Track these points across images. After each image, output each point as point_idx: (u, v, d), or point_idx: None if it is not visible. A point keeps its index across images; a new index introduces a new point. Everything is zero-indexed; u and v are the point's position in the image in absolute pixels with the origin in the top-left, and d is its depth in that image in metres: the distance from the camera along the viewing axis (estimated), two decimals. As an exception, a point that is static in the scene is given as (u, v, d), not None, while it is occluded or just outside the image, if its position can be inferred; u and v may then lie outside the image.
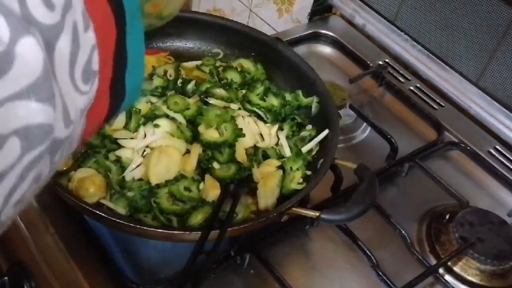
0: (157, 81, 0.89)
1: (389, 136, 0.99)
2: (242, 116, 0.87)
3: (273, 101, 0.91)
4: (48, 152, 0.32)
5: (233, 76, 0.94)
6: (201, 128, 0.81)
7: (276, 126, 0.88)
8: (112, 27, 0.38)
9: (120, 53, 0.39)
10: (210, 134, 0.81)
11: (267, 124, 0.89)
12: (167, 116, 0.82)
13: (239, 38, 0.99)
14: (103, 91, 0.39)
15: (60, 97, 0.32)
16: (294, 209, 0.73)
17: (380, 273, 0.81)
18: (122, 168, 0.76)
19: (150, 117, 0.82)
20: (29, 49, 0.30)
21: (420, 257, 0.85)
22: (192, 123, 0.83)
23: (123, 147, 0.79)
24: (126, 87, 0.42)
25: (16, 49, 0.29)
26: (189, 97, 0.87)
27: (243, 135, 0.83)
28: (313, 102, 0.91)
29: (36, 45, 0.30)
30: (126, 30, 0.40)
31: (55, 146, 0.33)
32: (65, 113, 0.33)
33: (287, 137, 0.87)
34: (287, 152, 0.85)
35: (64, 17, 0.33)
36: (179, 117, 0.82)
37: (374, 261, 0.82)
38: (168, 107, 0.83)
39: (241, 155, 0.81)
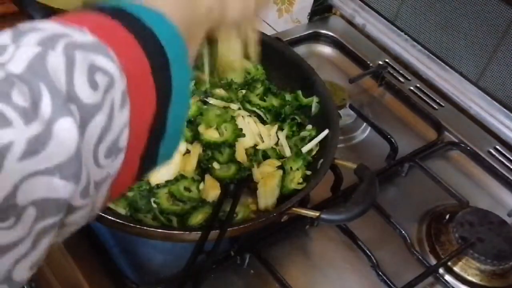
0: None
1: (389, 136, 0.99)
2: (242, 116, 0.87)
3: (273, 101, 0.91)
4: (61, 218, 0.32)
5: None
6: (201, 128, 0.81)
7: (276, 127, 0.88)
8: (152, 105, 0.38)
9: (157, 126, 0.39)
10: (210, 134, 0.81)
11: (267, 125, 0.88)
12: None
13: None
14: (132, 161, 0.38)
15: (87, 174, 0.33)
16: (294, 209, 0.73)
17: (380, 273, 0.81)
18: (122, 168, 0.76)
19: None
20: (66, 130, 0.30)
21: (420, 257, 0.85)
22: (192, 123, 0.83)
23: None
24: (159, 156, 0.41)
25: (54, 129, 0.30)
26: None
27: (243, 135, 0.83)
28: (313, 102, 0.91)
29: (73, 125, 0.31)
30: (170, 106, 0.40)
31: (69, 212, 0.33)
32: (85, 188, 0.33)
33: (287, 137, 0.87)
34: (287, 152, 0.85)
35: (105, 97, 0.33)
36: None
37: (374, 261, 0.82)
38: None
39: (241, 155, 0.81)
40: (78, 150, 0.31)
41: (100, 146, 0.34)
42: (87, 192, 0.33)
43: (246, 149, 0.83)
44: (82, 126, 0.32)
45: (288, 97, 0.92)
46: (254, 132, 0.85)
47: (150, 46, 0.38)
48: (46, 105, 0.30)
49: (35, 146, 0.29)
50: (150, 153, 0.40)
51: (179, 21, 0.42)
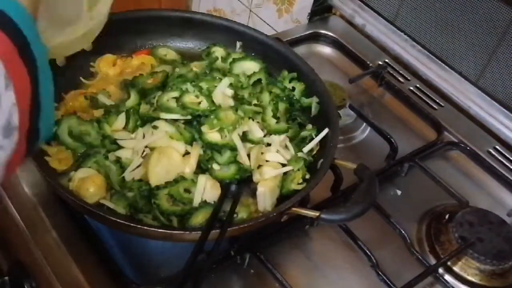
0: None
1: (389, 136, 0.99)
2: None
3: (282, 107, 0.90)
4: None
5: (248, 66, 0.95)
6: (204, 128, 0.81)
7: (284, 136, 0.87)
8: (27, 84, 0.43)
9: (35, 105, 0.44)
10: (212, 135, 0.80)
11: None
12: (165, 120, 0.81)
13: (239, 38, 0.99)
14: (21, 141, 0.43)
15: None
16: (294, 209, 0.73)
17: (380, 273, 0.81)
18: (122, 168, 0.76)
19: (148, 119, 0.81)
20: None
21: (420, 257, 0.85)
22: (191, 123, 0.82)
23: (123, 147, 0.79)
24: (40, 132, 0.46)
25: None
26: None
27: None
28: (313, 102, 0.91)
29: None
30: (39, 83, 0.45)
31: None
32: None
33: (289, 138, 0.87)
34: (291, 152, 0.85)
35: None
36: (177, 116, 0.81)
37: (374, 261, 0.82)
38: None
39: (242, 157, 0.81)
40: None
41: None
42: None
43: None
44: None
45: (287, 84, 0.93)
46: (258, 135, 0.84)
47: (9, 29, 0.42)
48: None
49: None
50: (33, 131, 0.45)
51: None
